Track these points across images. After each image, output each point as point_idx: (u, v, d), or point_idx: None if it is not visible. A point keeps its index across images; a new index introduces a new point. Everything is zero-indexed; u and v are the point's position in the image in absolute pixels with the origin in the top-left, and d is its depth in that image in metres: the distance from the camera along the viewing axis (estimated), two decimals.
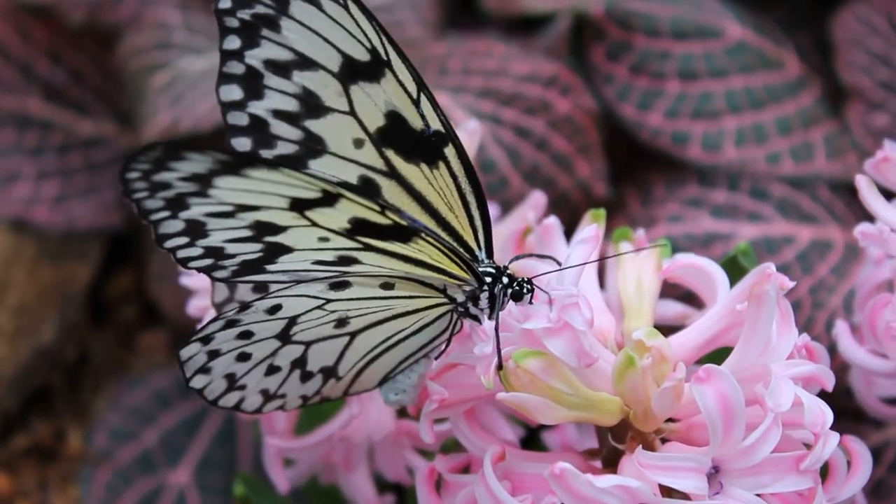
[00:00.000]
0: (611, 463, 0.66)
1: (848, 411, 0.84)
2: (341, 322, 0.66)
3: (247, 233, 0.62)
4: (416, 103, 0.66)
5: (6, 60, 1.14)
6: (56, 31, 1.16)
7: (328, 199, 0.61)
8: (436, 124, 0.66)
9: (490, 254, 0.67)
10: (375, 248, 0.63)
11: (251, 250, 0.63)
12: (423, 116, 0.66)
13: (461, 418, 0.67)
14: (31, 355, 1.08)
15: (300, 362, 0.67)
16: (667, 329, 0.69)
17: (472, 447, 0.67)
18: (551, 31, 1.09)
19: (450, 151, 0.66)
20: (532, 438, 0.81)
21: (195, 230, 0.62)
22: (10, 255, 1.10)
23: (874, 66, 1.03)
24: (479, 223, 0.67)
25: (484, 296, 0.65)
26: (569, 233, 0.72)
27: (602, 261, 0.73)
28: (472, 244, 0.66)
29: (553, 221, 0.72)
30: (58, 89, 1.15)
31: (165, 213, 0.61)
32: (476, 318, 0.66)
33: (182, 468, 1.02)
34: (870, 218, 0.73)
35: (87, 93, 1.15)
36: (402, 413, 0.75)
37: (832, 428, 0.63)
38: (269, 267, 0.63)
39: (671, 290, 0.77)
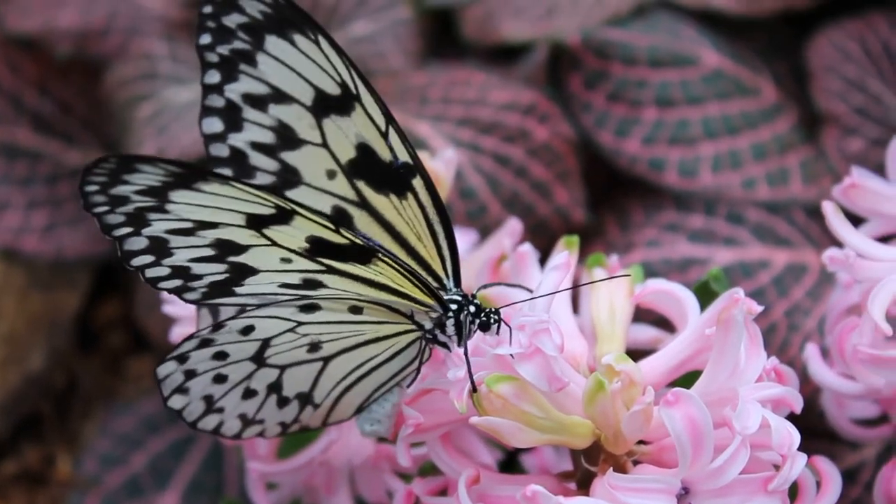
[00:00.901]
0: (585, 485, 0.67)
1: (824, 433, 0.85)
2: (314, 346, 0.67)
3: (209, 252, 0.63)
4: (385, 136, 0.67)
5: None
6: (44, 63, 1.17)
7: (283, 216, 0.63)
8: (404, 156, 0.67)
9: (458, 282, 0.68)
10: (338, 271, 0.65)
11: (217, 271, 0.64)
12: (391, 149, 0.67)
13: (437, 442, 0.68)
14: (21, 382, 1.09)
15: (276, 387, 0.68)
16: (641, 353, 0.70)
17: (448, 470, 0.68)
18: (530, 60, 1.11)
19: (418, 183, 0.68)
20: (511, 461, 0.82)
21: (159, 248, 0.63)
22: None
23: (849, 92, 1.04)
24: (446, 252, 0.68)
25: (450, 322, 0.67)
26: (546, 259, 0.73)
27: (575, 287, 0.75)
28: (440, 273, 0.68)
29: (527, 249, 0.73)
30: (46, 120, 1.16)
31: (128, 230, 0.62)
32: (445, 346, 0.67)
33: (170, 493, 1.03)
34: (842, 243, 0.74)
35: (74, 123, 1.17)
36: (380, 437, 0.76)
37: (805, 449, 0.63)
38: (238, 289, 0.65)
39: (646, 315, 0.78)
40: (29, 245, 1.11)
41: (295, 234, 0.63)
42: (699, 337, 0.68)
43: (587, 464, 0.66)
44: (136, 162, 0.60)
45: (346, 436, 0.75)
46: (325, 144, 0.68)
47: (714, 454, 0.62)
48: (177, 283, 0.64)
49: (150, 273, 0.64)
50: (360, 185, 0.68)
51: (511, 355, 0.63)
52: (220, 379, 0.68)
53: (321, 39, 0.66)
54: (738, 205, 1.00)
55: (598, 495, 0.63)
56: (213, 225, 0.63)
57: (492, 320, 0.66)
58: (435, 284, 0.67)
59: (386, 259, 0.65)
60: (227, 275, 0.64)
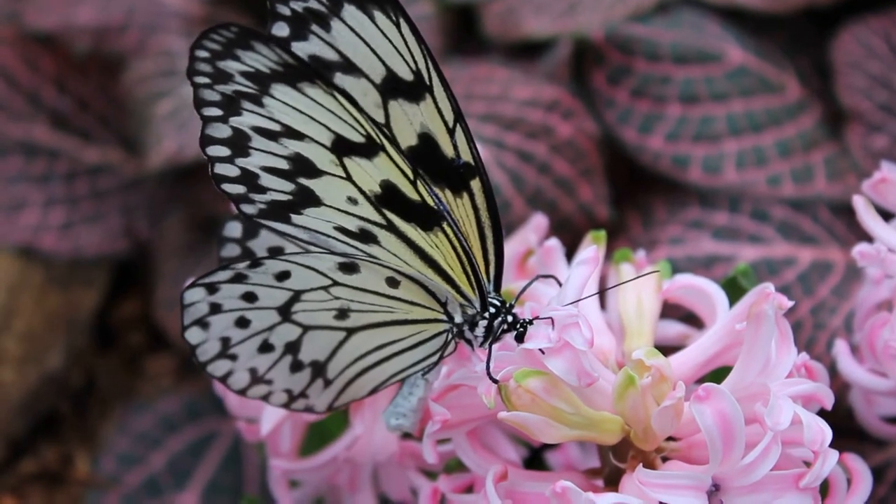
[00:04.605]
0: (613, 482, 0.67)
1: (851, 431, 0.85)
2: (342, 313, 0.67)
3: (285, 165, 0.64)
4: (451, 133, 0.66)
5: (13, 88, 1.15)
6: (62, 60, 1.17)
7: (369, 149, 0.63)
8: (466, 156, 0.67)
9: (498, 288, 0.67)
10: (396, 230, 0.65)
11: (283, 189, 0.64)
12: (455, 146, 0.67)
13: (463, 438, 0.68)
14: (39, 381, 1.09)
15: (294, 347, 0.68)
16: (668, 349, 0.69)
17: (474, 467, 0.68)
18: (553, 56, 1.10)
19: (476, 185, 0.67)
20: (535, 458, 0.82)
21: (239, 143, 0.63)
22: (17, 282, 1.10)
23: (873, 89, 1.03)
24: (492, 257, 0.67)
25: (482, 324, 0.66)
26: (571, 255, 0.73)
27: (603, 283, 0.74)
28: (483, 276, 0.67)
29: (554, 243, 0.73)
30: (64, 117, 1.16)
31: (218, 112, 0.62)
32: (469, 343, 0.67)
33: (189, 492, 1.02)
34: (870, 239, 0.73)
35: (92, 120, 1.16)
36: (405, 434, 0.76)
37: (833, 446, 0.63)
38: (294, 217, 0.65)
39: (673, 311, 0.77)
40: (47, 243, 1.11)
41: (373, 173, 0.64)
42: (729, 332, 0.68)
43: (615, 460, 0.66)
44: (254, 39, 0.61)
45: (371, 432, 0.75)
46: (387, 125, 0.67)
47: (745, 450, 0.61)
48: (240, 189, 0.64)
49: (220, 169, 0.64)
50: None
51: (540, 350, 0.62)
52: (242, 322, 0.67)
53: (402, 22, 0.65)
54: (763, 202, 0.99)
55: (628, 491, 0.63)
56: (299, 136, 0.63)
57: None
58: (482, 277, 0.67)
59: (448, 231, 0.65)
60: (291, 197, 0.64)
